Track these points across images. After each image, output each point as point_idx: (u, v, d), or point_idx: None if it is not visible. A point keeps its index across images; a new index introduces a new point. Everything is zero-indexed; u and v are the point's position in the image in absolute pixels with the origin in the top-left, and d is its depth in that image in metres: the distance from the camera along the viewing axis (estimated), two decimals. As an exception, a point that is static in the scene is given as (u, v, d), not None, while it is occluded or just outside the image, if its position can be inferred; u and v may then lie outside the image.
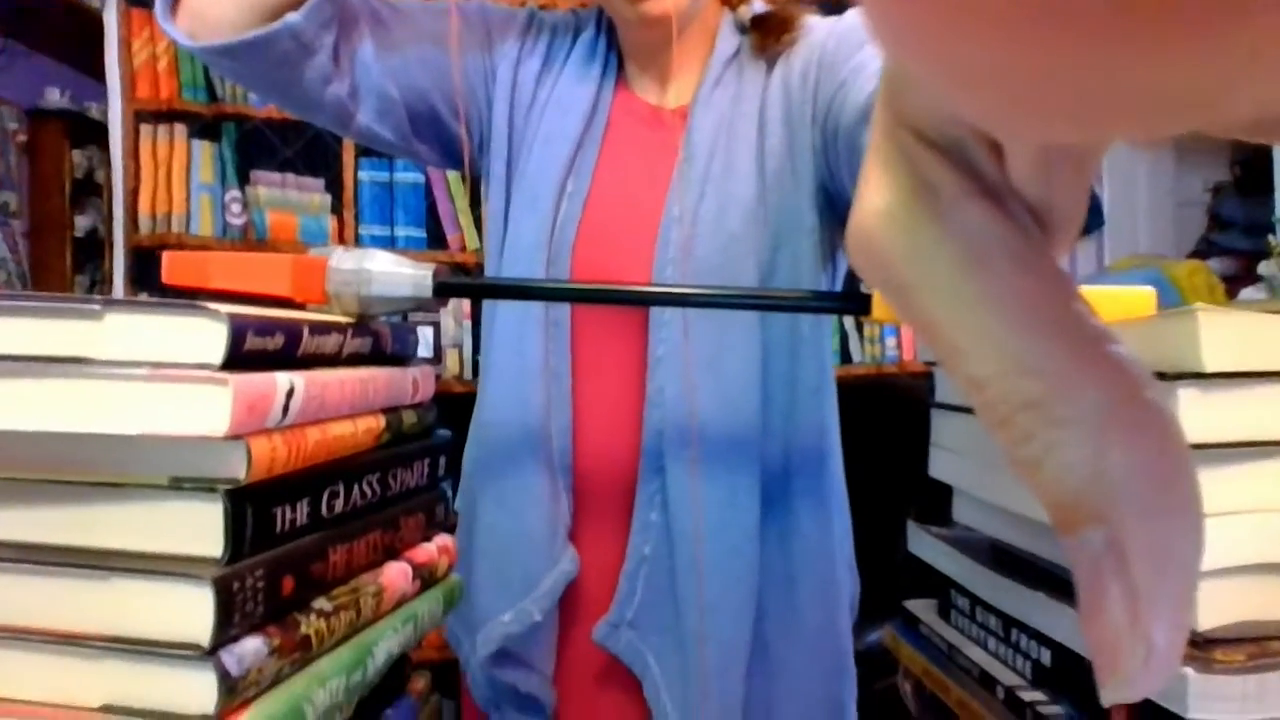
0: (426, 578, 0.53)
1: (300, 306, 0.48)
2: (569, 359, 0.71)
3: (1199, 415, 0.32)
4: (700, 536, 0.67)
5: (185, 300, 0.33)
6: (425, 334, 1.77)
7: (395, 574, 0.50)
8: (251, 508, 0.35)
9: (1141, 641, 0.11)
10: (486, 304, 0.81)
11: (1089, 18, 0.07)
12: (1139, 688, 0.11)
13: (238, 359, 0.33)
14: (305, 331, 0.39)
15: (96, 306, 0.33)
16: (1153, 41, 0.07)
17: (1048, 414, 0.11)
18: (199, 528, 0.34)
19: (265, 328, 0.35)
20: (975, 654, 0.49)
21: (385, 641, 0.47)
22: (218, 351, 0.32)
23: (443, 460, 0.58)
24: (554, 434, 0.70)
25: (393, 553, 0.51)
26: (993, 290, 0.11)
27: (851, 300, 0.52)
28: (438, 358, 1.76)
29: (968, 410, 0.49)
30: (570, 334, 0.72)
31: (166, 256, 0.44)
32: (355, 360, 0.47)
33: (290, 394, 0.36)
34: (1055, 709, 0.41)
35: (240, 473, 0.34)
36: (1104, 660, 0.11)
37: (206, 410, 0.32)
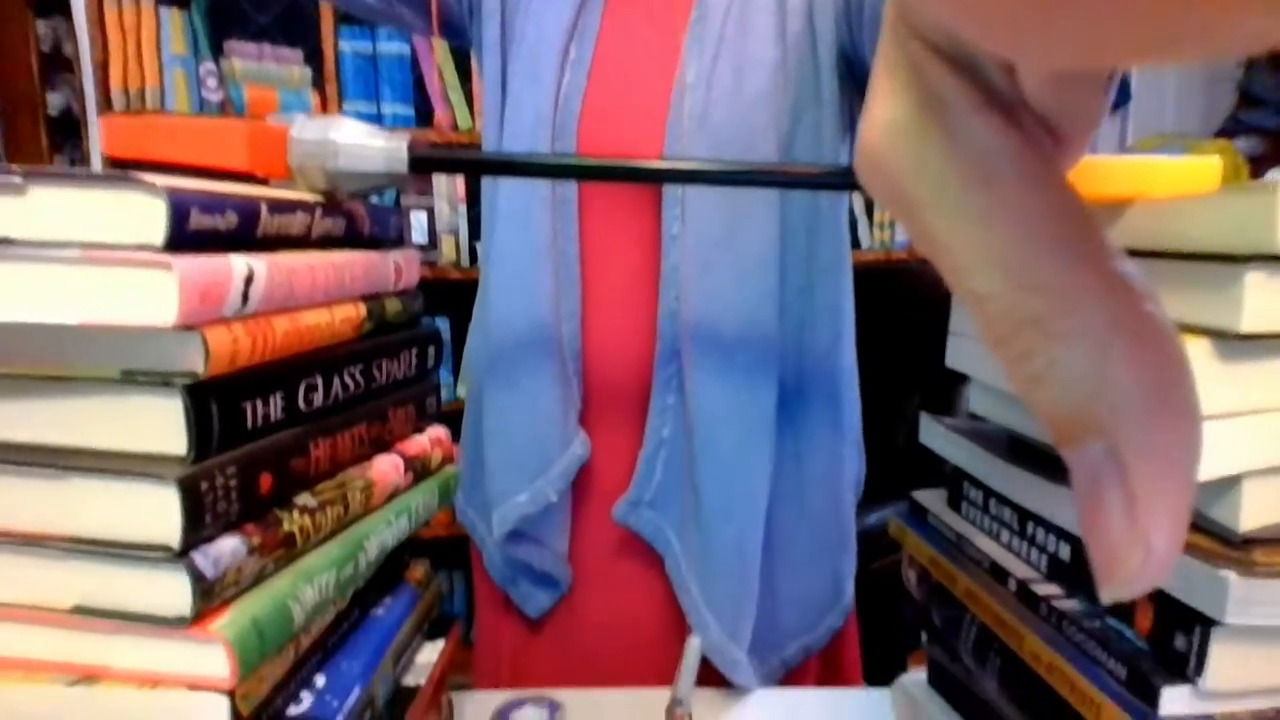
0: (419, 470, 0.52)
1: (264, 182, 0.43)
2: (577, 240, 0.67)
3: (1268, 301, 0.29)
4: (718, 419, 0.65)
5: (117, 171, 0.29)
6: (419, 219, 1.70)
7: (386, 467, 0.48)
8: (216, 402, 0.32)
9: (1141, 545, 0.11)
10: (487, 185, 0.76)
11: None
12: (1138, 586, 0.11)
13: (184, 239, 0.30)
14: (263, 209, 0.35)
15: (18, 179, 0.29)
16: None
17: (1049, 329, 0.11)
18: (159, 424, 0.31)
19: (214, 204, 0.31)
20: (986, 545, 0.47)
21: (377, 535, 0.46)
22: (158, 231, 0.28)
23: (432, 350, 0.55)
24: (563, 318, 0.67)
25: (382, 445, 0.49)
26: (998, 206, 0.11)
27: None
28: (433, 244, 1.70)
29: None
30: (578, 213, 0.67)
31: (103, 123, 0.39)
32: (328, 243, 0.43)
33: (249, 280, 0.32)
34: (1070, 603, 0.39)
35: (198, 365, 0.31)
36: (1104, 563, 0.11)
37: (151, 297, 0.28)
